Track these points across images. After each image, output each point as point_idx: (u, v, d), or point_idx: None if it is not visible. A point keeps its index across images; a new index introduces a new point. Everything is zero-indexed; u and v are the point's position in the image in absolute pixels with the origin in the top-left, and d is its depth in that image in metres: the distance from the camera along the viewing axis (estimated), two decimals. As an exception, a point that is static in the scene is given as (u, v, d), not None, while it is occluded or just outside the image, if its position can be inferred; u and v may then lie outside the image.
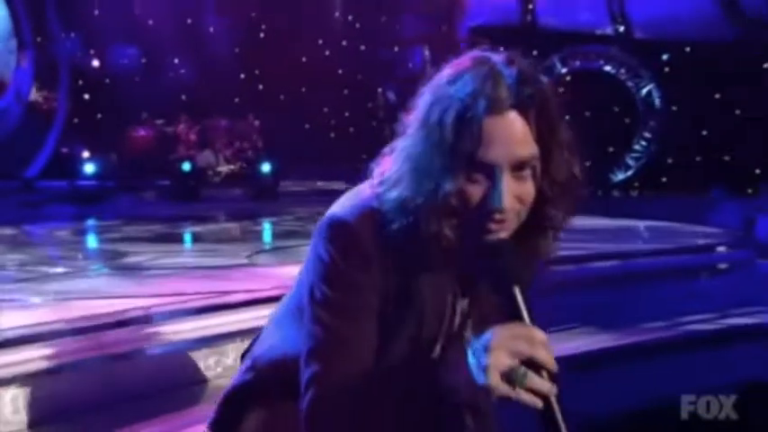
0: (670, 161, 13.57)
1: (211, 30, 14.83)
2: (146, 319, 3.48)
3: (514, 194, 1.13)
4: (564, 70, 14.34)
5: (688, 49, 13.06)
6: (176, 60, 14.61)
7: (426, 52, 14.33)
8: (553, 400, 1.04)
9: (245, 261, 5.35)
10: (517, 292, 1.08)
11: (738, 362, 4.09)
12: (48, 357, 3.05)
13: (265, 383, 1.38)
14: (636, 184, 13.72)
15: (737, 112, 12.41)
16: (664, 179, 13.50)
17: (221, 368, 3.32)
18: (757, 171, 12.09)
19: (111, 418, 2.89)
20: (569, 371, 3.32)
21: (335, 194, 1.33)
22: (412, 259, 1.23)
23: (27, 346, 3.08)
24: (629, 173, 13.97)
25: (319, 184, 12.66)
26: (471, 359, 1.07)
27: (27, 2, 11.98)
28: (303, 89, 14.98)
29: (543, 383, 1.02)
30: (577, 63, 14.28)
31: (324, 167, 12.80)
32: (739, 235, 7.28)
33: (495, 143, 1.11)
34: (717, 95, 12.63)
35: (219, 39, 14.81)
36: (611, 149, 14.07)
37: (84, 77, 13.40)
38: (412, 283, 1.25)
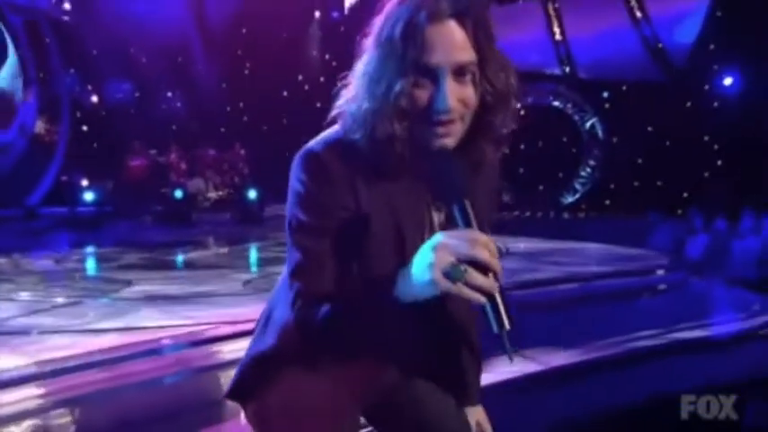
0: (612, 186, 13.87)
1: (200, 67, 14.83)
2: (163, 349, 3.38)
3: (457, 97, 1.12)
4: (518, 105, 14.70)
5: (625, 87, 13.41)
6: (168, 94, 14.59)
7: None
8: (497, 296, 1.03)
9: (241, 289, 5.19)
10: (466, 203, 1.07)
11: (679, 373, 3.97)
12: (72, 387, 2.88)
13: (288, 348, 1.33)
14: (583, 206, 13.96)
15: (667, 143, 12.79)
16: (607, 202, 13.76)
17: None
18: (685, 195, 12.49)
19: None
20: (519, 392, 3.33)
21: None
22: (379, 173, 1.21)
23: (56, 378, 2.91)
24: (577, 196, 14.28)
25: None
26: (418, 259, 1.07)
27: (31, 42, 11.89)
28: (284, 121, 14.93)
29: (485, 280, 1.01)
30: (530, 99, 14.56)
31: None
32: (674, 257, 7.32)
33: (437, 48, 1.12)
34: (649, 128, 12.99)
35: (207, 75, 14.79)
36: (560, 175, 14.47)
37: (82, 111, 13.32)
38: (384, 197, 1.22)
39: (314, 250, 1.21)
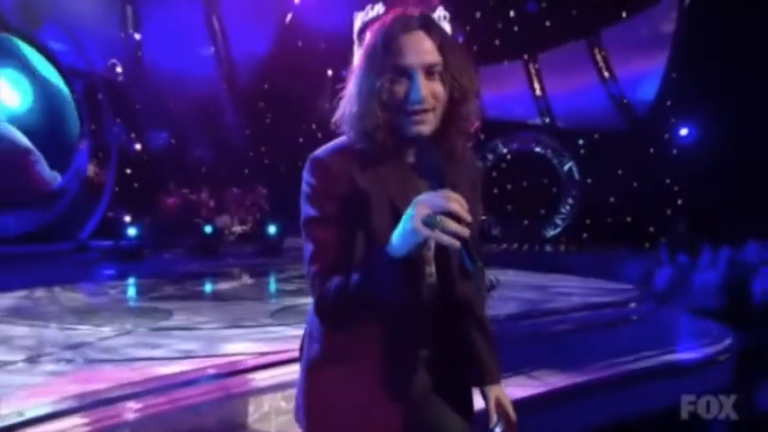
0: (588, 222, 14.08)
1: (227, 117, 15.00)
2: (207, 378, 3.25)
3: (428, 91, 1.20)
4: (505, 150, 14.92)
5: (597, 136, 13.74)
6: (199, 141, 14.74)
7: None
8: (469, 240, 1.06)
9: (270, 320, 4.96)
10: (445, 180, 1.12)
11: (650, 394, 3.91)
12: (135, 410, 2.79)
13: (321, 353, 1.35)
14: (563, 240, 14.15)
15: (635, 184, 13.02)
16: (584, 235, 13.94)
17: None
18: (651, 229, 12.65)
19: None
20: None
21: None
22: (371, 162, 1.25)
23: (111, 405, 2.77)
24: (558, 230, 14.49)
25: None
26: (404, 216, 1.10)
27: (87, 99, 12.02)
28: (299, 163, 15.00)
29: (458, 227, 1.05)
30: (515, 145, 14.89)
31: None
32: (644, 290, 7.20)
33: (409, 52, 1.21)
34: (619, 171, 13.25)
35: (233, 124, 14.89)
36: (542, 212, 14.69)
37: (127, 156, 13.37)
38: (379, 182, 1.25)
39: (322, 239, 1.24)
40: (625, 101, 12.98)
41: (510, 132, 14.63)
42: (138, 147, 13.57)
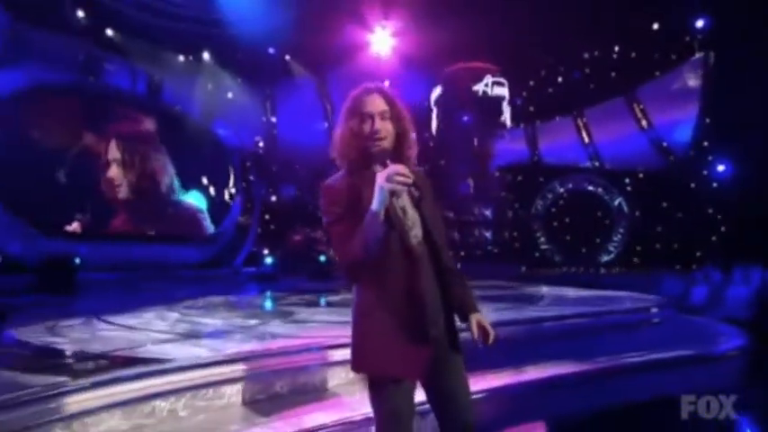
0: (638, 248, 13.57)
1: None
2: (312, 350, 3.44)
3: (383, 126, 1.50)
4: (561, 190, 14.90)
5: (641, 175, 13.36)
6: (316, 193, 15.71)
7: (471, 182, 14.75)
8: (412, 186, 1.35)
9: None
10: (398, 167, 1.39)
11: (660, 382, 3.73)
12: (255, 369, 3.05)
13: (356, 313, 1.57)
14: (616, 264, 13.67)
15: (679, 214, 12.46)
16: (636, 260, 13.42)
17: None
18: (698, 254, 11.93)
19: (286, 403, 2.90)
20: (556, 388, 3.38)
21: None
22: (355, 177, 1.50)
23: (247, 361, 3.05)
24: (611, 256, 14.06)
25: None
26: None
27: (240, 166, 13.36)
28: None
29: (402, 178, 1.36)
30: (570, 185, 14.78)
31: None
32: (668, 300, 6.85)
33: (370, 105, 1.50)
34: (664, 203, 12.77)
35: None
36: (597, 240, 14.36)
37: (266, 206, 14.22)
38: (364, 189, 1.46)
39: (338, 232, 1.49)
40: (664, 144, 12.57)
41: (565, 175, 14.61)
42: (273, 199, 14.43)
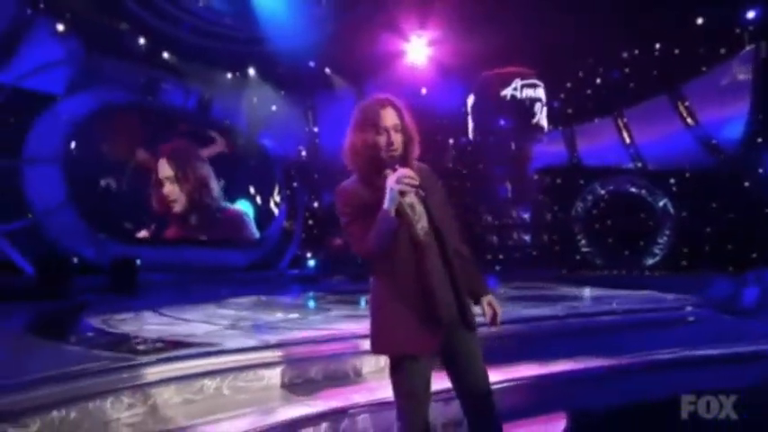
0: (686, 250, 12.90)
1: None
2: (341, 339, 3.65)
3: (396, 138, 1.62)
4: (603, 192, 14.41)
5: (688, 174, 12.69)
6: None
7: (509, 186, 14.48)
8: (419, 188, 1.47)
9: None
10: (406, 171, 1.52)
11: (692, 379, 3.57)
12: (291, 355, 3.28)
13: (373, 295, 1.72)
14: (662, 267, 13.00)
15: (731, 214, 11.75)
16: (684, 263, 12.72)
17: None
18: (754, 255, 11.23)
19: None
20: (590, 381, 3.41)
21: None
22: (367, 183, 1.61)
23: (282, 347, 3.33)
24: (657, 258, 13.41)
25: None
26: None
27: (284, 175, 13.89)
28: None
29: (409, 180, 1.51)
30: (612, 187, 14.22)
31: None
32: (704, 299, 6.56)
33: (385, 118, 1.61)
34: (713, 204, 12.07)
35: None
36: (641, 243, 13.80)
37: (309, 212, 14.70)
38: (378, 193, 1.58)
39: (353, 231, 1.65)
40: (713, 141, 11.86)
41: (605, 177, 14.08)
42: (315, 205, 14.79)
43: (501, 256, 14.17)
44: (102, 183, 10.11)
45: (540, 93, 14.45)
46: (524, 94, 14.29)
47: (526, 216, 14.45)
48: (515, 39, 12.33)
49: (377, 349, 1.69)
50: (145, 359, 2.99)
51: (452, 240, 1.70)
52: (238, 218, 12.92)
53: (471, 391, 1.68)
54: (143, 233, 10.83)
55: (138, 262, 8.17)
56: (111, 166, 10.46)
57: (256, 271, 12.19)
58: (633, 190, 13.82)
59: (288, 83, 13.22)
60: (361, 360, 3.46)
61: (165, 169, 11.44)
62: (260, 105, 13.16)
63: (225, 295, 7.23)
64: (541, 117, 14.36)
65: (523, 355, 3.56)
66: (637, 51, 13.06)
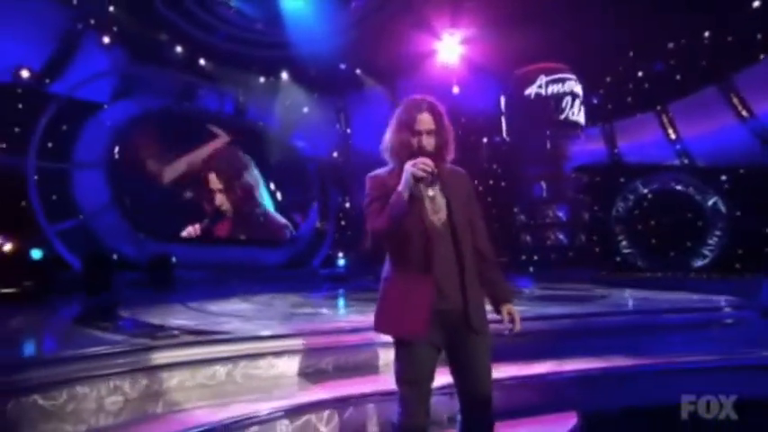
0: (740, 252, 12.08)
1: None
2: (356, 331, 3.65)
3: (428, 142, 1.71)
4: (645, 190, 13.74)
5: (742, 171, 11.83)
6: None
7: (543, 185, 14.06)
8: (435, 175, 1.57)
9: None
10: (424, 159, 1.60)
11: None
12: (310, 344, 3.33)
13: (385, 279, 1.78)
14: (712, 269, 12.20)
15: None
16: (737, 265, 11.83)
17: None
18: None
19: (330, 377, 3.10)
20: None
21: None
22: (398, 176, 1.68)
23: (304, 336, 3.39)
24: (706, 260, 12.64)
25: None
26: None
27: (317, 175, 14.02)
28: None
29: (425, 167, 1.59)
30: (655, 185, 13.55)
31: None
32: (744, 301, 5.88)
33: (421, 122, 1.70)
34: None
35: None
36: (688, 244, 13.06)
37: (342, 213, 14.84)
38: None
39: (373, 209, 1.74)
40: None
41: (648, 174, 13.35)
42: (347, 205, 15.04)
43: (536, 257, 13.76)
44: (143, 185, 10.59)
45: (571, 86, 13.82)
46: (549, 91, 13.83)
47: (563, 216, 13.98)
48: (551, 34, 11.96)
49: (376, 326, 1.75)
50: (160, 342, 3.15)
51: (475, 239, 1.75)
52: (279, 230, 13.22)
53: (470, 391, 1.70)
54: (189, 231, 11.27)
55: (174, 260, 8.53)
56: (151, 170, 10.99)
57: (289, 269, 12.42)
58: (679, 188, 13.04)
59: (320, 85, 13.46)
60: (374, 352, 3.47)
61: (214, 182, 11.94)
62: (292, 108, 13.42)
63: (253, 291, 7.44)
64: (572, 112, 13.77)
65: (538, 352, 3.43)
66: (684, 41, 12.32)
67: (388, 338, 1.78)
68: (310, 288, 9.04)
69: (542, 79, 13.83)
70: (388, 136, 1.78)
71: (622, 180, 14.09)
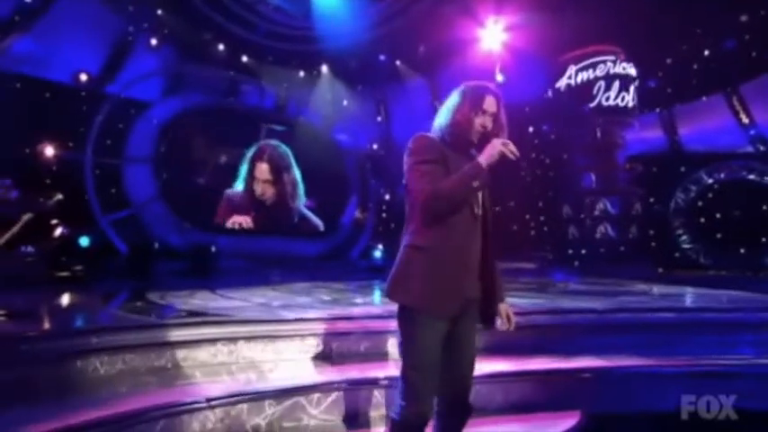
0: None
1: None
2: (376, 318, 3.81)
3: (489, 123, 1.81)
4: (710, 180, 12.50)
5: None
6: None
7: (593, 176, 13.14)
8: (516, 154, 1.63)
9: None
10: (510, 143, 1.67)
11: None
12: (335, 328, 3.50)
13: (405, 251, 1.80)
14: None
15: None
16: None
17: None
18: None
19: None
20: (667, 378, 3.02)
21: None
22: (450, 148, 1.79)
23: (326, 321, 3.59)
24: (782, 259, 11.44)
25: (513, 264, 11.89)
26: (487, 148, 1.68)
27: (356, 168, 14.17)
28: (512, 203, 14.82)
29: (513, 149, 1.69)
30: (722, 175, 12.25)
31: (515, 253, 12.67)
32: None
33: (490, 105, 1.81)
34: None
35: None
36: (763, 239, 11.83)
37: (383, 204, 14.85)
38: (455, 158, 1.76)
39: (425, 170, 1.74)
40: None
41: (714, 163, 12.06)
42: (387, 197, 15.02)
43: (583, 251, 13.03)
44: (189, 178, 11.12)
45: (606, 69, 12.76)
46: (579, 79, 12.96)
47: (612, 208, 13.13)
48: (603, 16, 11.23)
49: (392, 295, 1.77)
50: (185, 320, 3.50)
51: (491, 237, 1.83)
52: (312, 229, 13.36)
53: (455, 377, 1.77)
54: (237, 220, 11.71)
55: (214, 249, 8.93)
56: (196, 163, 11.50)
57: (328, 260, 12.51)
58: (752, 177, 11.67)
59: (360, 78, 13.34)
60: (387, 338, 3.49)
61: (263, 172, 12.22)
62: (333, 101, 13.50)
63: (283, 280, 7.65)
64: (606, 97, 12.74)
65: (545, 347, 3.26)
66: (763, 12, 10.79)
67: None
68: (344, 278, 9.00)
69: (572, 69, 13.06)
70: (449, 114, 1.82)
71: (683, 170, 12.98)
